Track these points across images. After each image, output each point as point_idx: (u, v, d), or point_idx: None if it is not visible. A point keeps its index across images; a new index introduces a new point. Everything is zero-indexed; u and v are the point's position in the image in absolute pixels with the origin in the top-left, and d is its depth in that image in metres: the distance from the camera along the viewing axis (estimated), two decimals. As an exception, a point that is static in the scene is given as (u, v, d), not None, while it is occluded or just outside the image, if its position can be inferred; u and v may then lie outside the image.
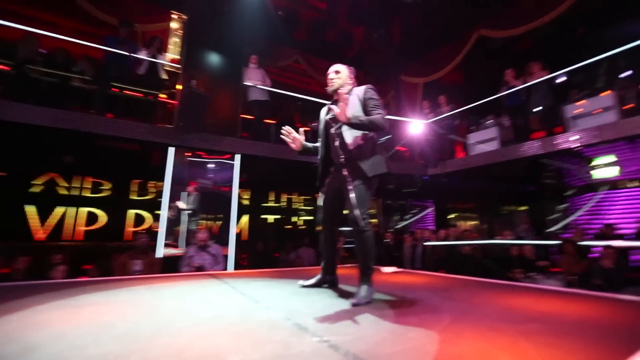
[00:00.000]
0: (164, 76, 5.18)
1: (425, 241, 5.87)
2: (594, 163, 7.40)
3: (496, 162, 6.20)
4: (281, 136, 2.22)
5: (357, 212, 1.92)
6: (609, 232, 5.20)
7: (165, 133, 4.64)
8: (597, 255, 4.81)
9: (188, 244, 5.16)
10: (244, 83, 5.62)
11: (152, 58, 4.92)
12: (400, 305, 1.75)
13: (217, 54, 5.47)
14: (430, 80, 8.39)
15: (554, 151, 5.47)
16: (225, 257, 4.70)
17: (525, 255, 5.18)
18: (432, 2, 7.35)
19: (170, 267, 4.38)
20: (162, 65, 5.13)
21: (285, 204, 9.19)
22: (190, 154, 5.11)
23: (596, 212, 7.74)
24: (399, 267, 3.63)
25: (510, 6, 6.62)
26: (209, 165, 5.26)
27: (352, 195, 1.95)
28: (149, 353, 1.07)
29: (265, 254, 6.58)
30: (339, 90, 2.01)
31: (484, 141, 6.47)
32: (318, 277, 2.31)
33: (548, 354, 1.05)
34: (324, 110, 2.29)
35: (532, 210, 8.67)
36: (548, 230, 7.49)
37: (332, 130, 2.13)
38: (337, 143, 2.10)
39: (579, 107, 5.43)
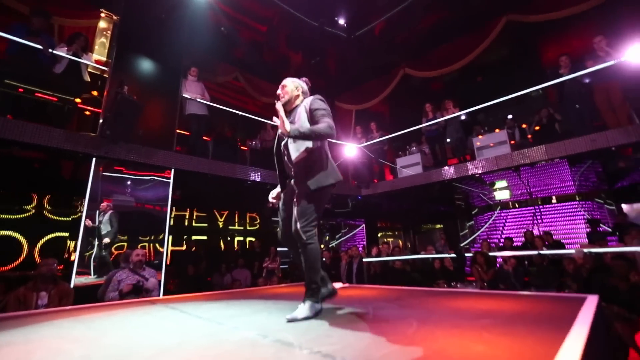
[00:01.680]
0: (87, 78, 4.57)
1: (360, 258, 6.14)
2: (493, 187, 8.81)
3: (419, 185, 6.95)
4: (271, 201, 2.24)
5: (298, 224, 1.86)
6: (508, 244, 6.20)
7: (88, 142, 4.05)
8: (499, 265, 5.68)
9: (97, 272, 4.46)
10: (183, 95, 5.29)
11: (74, 57, 4.31)
12: (366, 316, 1.81)
13: (152, 60, 5.09)
14: (361, 109, 9.11)
15: (464, 176, 6.39)
16: (159, 282, 4.20)
17: (447, 267, 5.81)
18: (365, 40, 8.11)
19: (86, 298, 3.71)
20: (86, 66, 4.53)
21: (216, 223, 8.67)
22: (117, 168, 4.53)
23: (494, 228, 9.16)
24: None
25: (428, 53, 7.72)
26: (132, 181, 4.70)
27: (295, 208, 1.91)
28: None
29: (196, 278, 6.04)
30: (277, 104, 1.95)
31: (409, 165, 7.20)
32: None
33: (509, 339, 1.22)
34: None
35: (446, 227, 9.81)
36: (461, 245, 8.54)
37: (282, 144, 2.08)
38: (286, 157, 2.05)
39: (480, 140, 6.49)
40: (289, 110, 2.14)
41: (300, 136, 1.86)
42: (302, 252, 1.88)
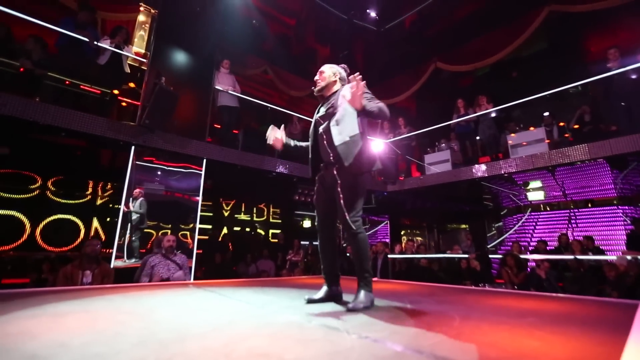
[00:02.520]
0: (127, 70, 4.78)
1: (385, 254, 6.11)
2: (526, 187, 8.48)
3: (446, 182, 6.79)
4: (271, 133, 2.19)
5: (347, 215, 1.84)
6: (542, 247, 5.97)
7: (128, 130, 4.25)
8: (530, 269, 5.48)
9: (131, 255, 4.69)
10: (215, 87, 5.43)
11: (117, 49, 4.52)
12: (404, 308, 1.81)
13: (187, 53, 5.24)
14: (388, 104, 8.98)
15: (496, 175, 6.19)
16: (190, 268, 4.37)
17: (474, 268, 5.68)
18: (395, 33, 7.97)
19: (125, 278, 3.92)
20: (127, 58, 4.74)
21: (244, 215, 8.88)
22: (147, 158, 4.73)
23: (523, 231, 8.83)
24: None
25: (462, 47, 7.48)
26: (162, 170, 4.88)
27: (341, 197, 1.88)
28: (192, 355, 0.97)
29: (222, 266, 6.23)
30: (353, 76, 1.83)
31: (437, 162, 7.05)
32: (325, 290, 2.02)
33: (563, 338, 1.19)
34: (316, 111, 2.20)
35: (472, 227, 9.56)
36: (488, 246, 8.30)
37: (320, 129, 2.05)
38: (325, 142, 2.01)
39: (515, 137, 6.25)
40: (327, 95, 2.12)
41: (371, 112, 1.87)
42: (351, 242, 1.88)
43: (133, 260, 4.73)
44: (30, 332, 1.18)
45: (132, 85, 5.44)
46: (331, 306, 1.82)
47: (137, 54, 5.26)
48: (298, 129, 7.47)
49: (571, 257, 4.85)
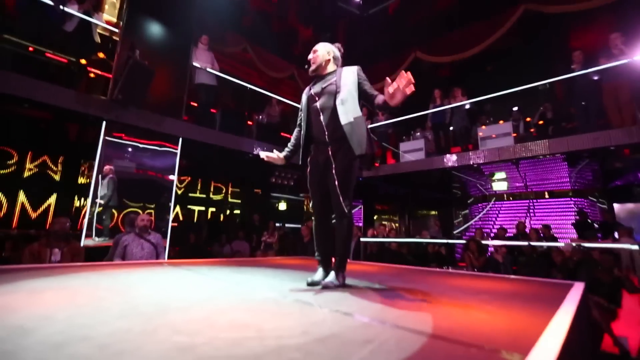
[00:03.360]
0: (97, 39, 4.51)
1: (358, 238, 6.34)
2: (492, 178, 8.98)
3: (420, 170, 7.08)
4: (264, 158, 2.16)
5: (341, 198, 1.85)
6: (502, 234, 6.43)
7: (99, 105, 4.07)
8: (490, 253, 5.92)
9: (101, 234, 4.60)
10: (193, 63, 5.25)
11: (86, 15, 4.24)
12: (373, 287, 1.96)
13: (163, 25, 5.01)
14: (367, 90, 9.06)
15: (465, 165, 6.52)
16: (164, 248, 4.35)
17: (440, 252, 6.05)
18: (378, 19, 7.96)
19: (94, 258, 3.86)
20: (96, 26, 4.46)
21: (217, 194, 8.80)
22: (117, 134, 4.56)
23: (487, 218, 9.42)
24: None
25: (441, 38, 7.62)
26: (134, 148, 4.73)
27: (337, 181, 1.87)
28: (176, 325, 1.04)
29: (197, 246, 6.22)
30: (403, 73, 1.73)
31: (412, 150, 7.30)
32: (322, 272, 1.99)
33: (507, 311, 1.38)
34: (307, 88, 2.16)
35: (441, 214, 10.06)
36: (454, 231, 8.79)
37: (317, 105, 2.01)
38: (321, 118, 1.97)
39: (484, 130, 6.57)
40: (322, 74, 2.08)
41: (384, 106, 1.85)
42: (340, 224, 1.89)
43: (102, 239, 4.65)
44: (10, 307, 1.20)
45: (102, 55, 5.16)
46: (305, 285, 1.93)
47: (108, 22, 4.96)
48: (277, 111, 7.42)
49: (525, 243, 5.28)
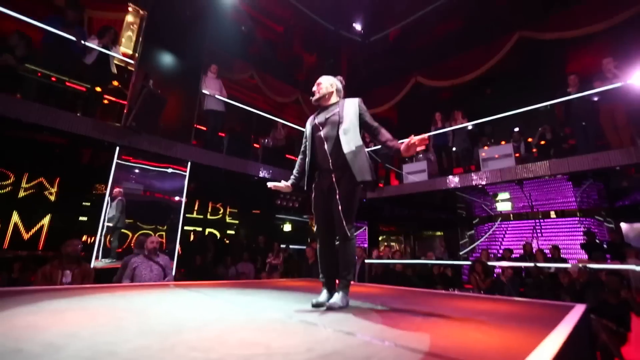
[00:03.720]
0: (114, 70, 4.81)
1: (363, 259, 6.36)
2: (496, 198, 9.01)
3: (423, 191, 7.16)
4: (271, 187, 2.26)
5: (344, 222, 1.96)
6: (507, 255, 6.41)
7: (114, 131, 4.29)
8: (496, 275, 5.88)
9: (108, 255, 4.70)
10: (202, 91, 5.53)
11: (105, 49, 4.55)
12: (375, 308, 2.03)
13: (175, 56, 5.32)
14: (371, 113, 9.31)
15: (468, 186, 6.60)
16: (171, 270, 4.43)
17: (446, 274, 6.02)
18: (379, 46, 8.32)
19: (103, 279, 3.95)
20: (113, 58, 4.77)
21: (222, 216, 8.92)
22: (126, 157, 4.76)
23: (494, 239, 9.36)
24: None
25: (440, 63, 7.92)
26: (142, 170, 4.92)
27: (340, 206, 1.98)
28: (191, 342, 1.13)
29: (203, 268, 6.28)
30: (411, 140, 1.89)
31: (415, 172, 7.41)
32: (325, 294, 2.06)
33: (503, 331, 1.44)
34: (310, 118, 2.32)
35: (446, 235, 10.02)
36: (460, 253, 8.74)
37: (322, 134, 2.14)
38: (325, 147, 2.10)
39: (486, 151, 6.69)
40: (324, 106, 2.24)
41: (390, 146, 2.05)
42: (343, 247, 2.01)
43: (110, 260, 4.75)
44: (37, 326, 1.30)
45: (115, 83, 5.46)
46: (309, 306, 2.00)
47: (124, 54, 5.29)
48: (282, 134, 7.65)
49: (531, 264, 5.26)
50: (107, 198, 4.36)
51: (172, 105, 5.15)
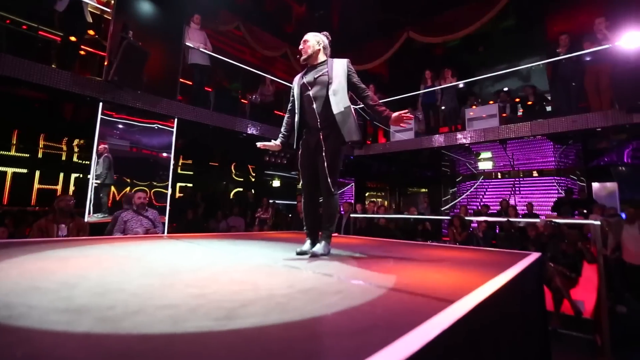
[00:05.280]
0: (89, 19, 4.52)
1: (349, 213, 6.66)
2: (479, 157, 9.27)
3: (410, 149, 7.32)
4: (260, 146, 2.34)
5: (329, 179, 2.10)
6: (485, 211, 6.80)
7: (95, 86, 4.17)
8: (472, 229, 6.30)
9: (99, 210, 4.81)
10: (186, 43, 5.29)
11: (77, -5, 4.24)
12: (354, 255, 2.25)
13: (154, 4, 5.00)
14: (361, 69, 9.10)
15: (452, 145, 6.77)
16: (162, 223, 4.61)
17: (427, 228, 6.41)
18: (371, -2, 7.89)
19: (97, 234, 4.10)
20: (87, 5, 4.46)
21: (212, 172, 9.01)
22: (111, 112, 4.67)
23: (475, 196, 9.80)
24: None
25: (434, 17, 7.63)
26: (128, 126, 4.84)
27: (325, 162, 2.10)
28: (188, 281, 1.30)
29: (194, 222, 6.50)
30: (402, 114, 2.12)
31: (402, 130, 7.50)
32: (308, 244, 2.24)
33: (459, 273, 1.67)
34: (298, 77, 2.34)
35: (430, 191, 10.42)
36: (442, 208, 9.18)
37: (311, 94, 2.19)
38: (314, 106, 2.17)
39: (473, 110, 6.77)
40: (313, 64, 2.26)
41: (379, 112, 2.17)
42: (327, 201, 2.18)
43: (101, 215, 4.87)
44: (48, 269, 1.45)
45: (92, 33, 5.16)
46: (295, 254, 2.21)
47: (99, 1, 4.93)
48: (271, 90, 7.49)
49: (504, 219, 5.64)
50: (94, 154, 4.36)
51: (155, 58, 4.95)
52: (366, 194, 10.99)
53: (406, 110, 2.16)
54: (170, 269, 1.55)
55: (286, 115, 2.44)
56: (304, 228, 2.34)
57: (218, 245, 2.50)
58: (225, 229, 6.72)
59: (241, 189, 9.48)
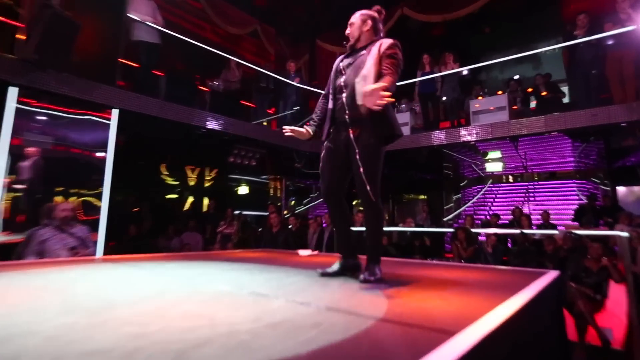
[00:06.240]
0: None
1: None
2: (486, 157, 9.55)
3: (405, 148, 7.43)
4: (285, 133, 2.30)
5: (368, 186, 2.04)
6: (494, 221, 6.99)
7: (6, 66, 3.99)
8: (480, 243, 6.45)
9: (11, 227, 4.56)
10: (128, 15, 5.18)
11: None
12: (337, 278, 2.24)
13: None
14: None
15: (456, 143, 6.93)
16: (95, 243, 4.45)
17: (425, 244, 6.52)
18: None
19: (3, 257, 3.88)
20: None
21: (163, 177, 8.80)
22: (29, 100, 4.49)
23: (483, 203, 10.07)
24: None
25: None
26: (52, 117, 4.66)
27: (361, 168, 2.05)
28: (125, 317, 1.25)
29: (139, 240, 6.33)
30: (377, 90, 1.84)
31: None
32: (338, 263, 2.26)
33: (463, 298, 1.70)
34: (339, 58, 2.35)
35: (430, 199, 10.61)
36: (444, 219, 9.37)
37: (341, 80, 2.21)
38: (344, 96, 2.16)
39: (479, 102, 6.97)
40: (359, 48, 2.25)
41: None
42: (368, 214, 2.14)
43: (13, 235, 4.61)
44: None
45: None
46: (264, 277, 2.18)
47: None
48: (237, 75, 7.44)
49: (517, 231, 5.81)
50: (5, 153, 4.15)
51: (88, 33, 4.79)
52: (353, 202, 11.05)
53: (384, 85, 1.88)
54: (102, 302, 1.48)
55: (320, 99, 2.42)
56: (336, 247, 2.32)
57: (168, 269, 2.44)
58: (178, 247, 6.58)
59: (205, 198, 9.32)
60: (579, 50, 6.04)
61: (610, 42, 5.76)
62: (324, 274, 2.18)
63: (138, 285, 1.89)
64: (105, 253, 5.25)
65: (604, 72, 5.90)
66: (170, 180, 8.91)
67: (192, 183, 9.31)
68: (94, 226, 4.89)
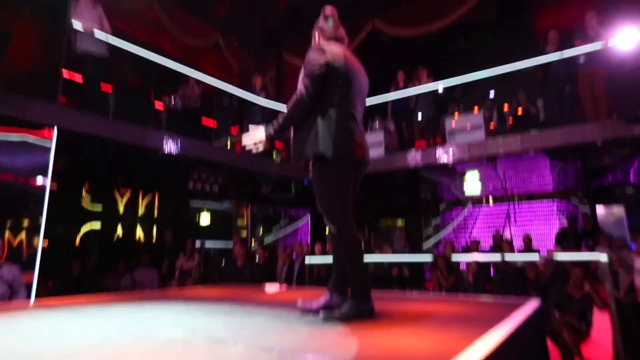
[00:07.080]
0: None
1: (304, 257, 6.62)
2: (464, 178, 9.85)
3: (379, 171, 7.56)
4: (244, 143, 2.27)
5: (325, 217, 2.09)
6: (474, 247, 7.17)
7: None
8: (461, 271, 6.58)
9: None
10: (73, 22, 5.12)
11: None
12: (305, 317, 2.22)
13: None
14: (317, 67, 9.40)
15: (432, 163, 7.12)
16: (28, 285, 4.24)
17: (404, 275, 6.59)
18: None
19: None
20: None
21: (113, 206, 8.52)
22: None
23: (463, 227, 10.32)
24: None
25: (405, 6, 8.22)
26: None
27: (315, 195, 2.09)
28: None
29: (82, 278, 6.06)
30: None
31: (369, 146, 7.75)
32: (323, 298, 2.22)
33: (441, 334, 1.72)
34: None
35: (408, 224, 10.77)
36: (424, 246, 9.51)
37: None
38: None
39: (455, 121, 7.24)
40: None
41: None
42: (333, 246, 2.16)
43: None
44: None
45: None
46: (224, 318, 2.12)
47: None
48: (196, 92, 7.40)
49: (497, 259, 5.98)
50: None
51: (23, 42, 4.70)
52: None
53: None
54: (29, 357, 1.40)
55: None
56: None
57: (113, 313, 2.34)
58: (129, 286, 6.33)
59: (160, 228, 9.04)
60: (551, 67, 6.44)
61: (581, 59, 6.18)
62: (303, 311, 2.16)
63: (74, 335, 1.80)
64: (40, 296, 4.97)
65: (576, 89, 6.30)
66: (120, 209, 8.63)
67: (145, 211, 9.04)
68: (29, 265, 4.65)
